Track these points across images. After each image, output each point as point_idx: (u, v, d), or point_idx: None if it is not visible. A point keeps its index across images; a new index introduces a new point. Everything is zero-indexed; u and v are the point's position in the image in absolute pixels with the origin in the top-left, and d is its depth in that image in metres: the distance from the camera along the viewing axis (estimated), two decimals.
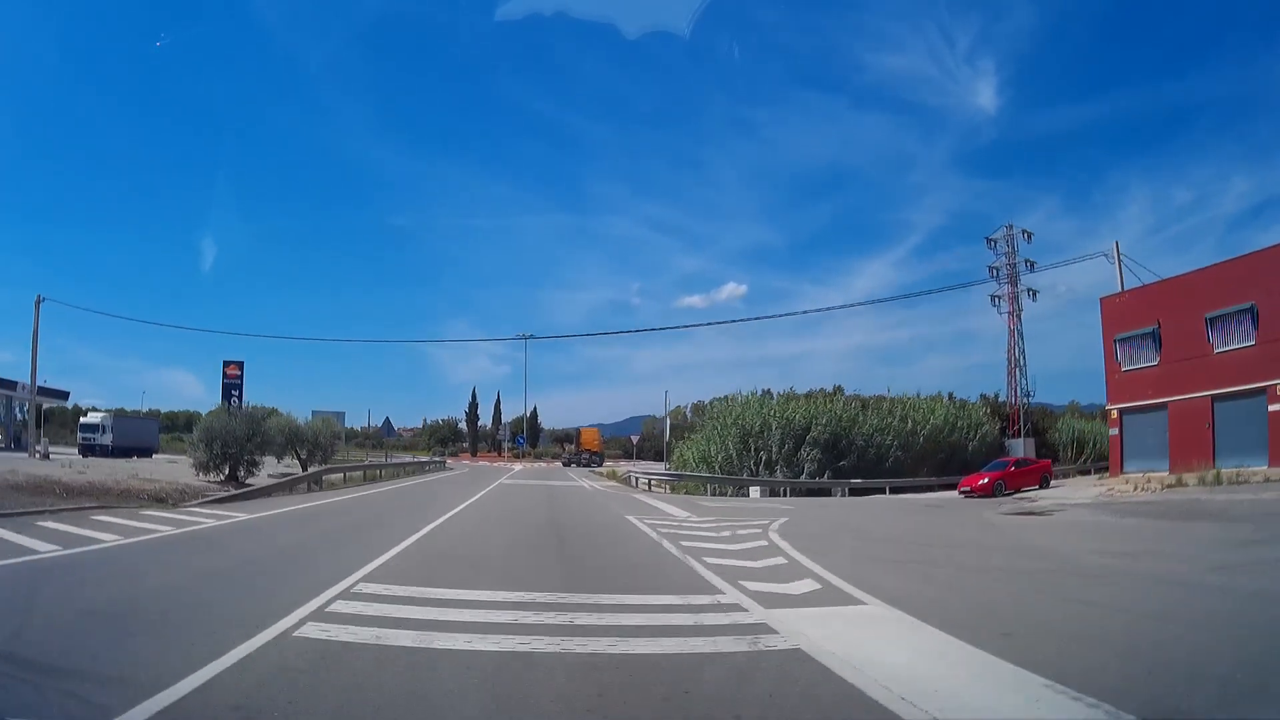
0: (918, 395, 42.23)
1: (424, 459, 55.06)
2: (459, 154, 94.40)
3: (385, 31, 75.75)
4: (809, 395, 41.61)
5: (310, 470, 29.51)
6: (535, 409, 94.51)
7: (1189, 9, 65.29)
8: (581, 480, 37.88)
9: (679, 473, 33.91)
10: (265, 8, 66.26)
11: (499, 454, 77.42)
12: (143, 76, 76.24)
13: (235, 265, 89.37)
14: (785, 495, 28.25)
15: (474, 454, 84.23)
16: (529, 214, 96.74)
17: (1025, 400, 43.11)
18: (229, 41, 68.97)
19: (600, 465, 62.28)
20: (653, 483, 32.22)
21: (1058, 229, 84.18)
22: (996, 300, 43.56)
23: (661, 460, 63.86)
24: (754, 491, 28.73)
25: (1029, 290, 42.99)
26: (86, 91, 74.95)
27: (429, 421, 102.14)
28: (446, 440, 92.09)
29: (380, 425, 50.48)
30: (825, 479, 30.43)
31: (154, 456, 40.16)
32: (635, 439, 71.87)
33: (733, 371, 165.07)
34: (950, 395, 45.12)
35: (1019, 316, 42.87)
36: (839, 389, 49.20)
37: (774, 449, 31.90)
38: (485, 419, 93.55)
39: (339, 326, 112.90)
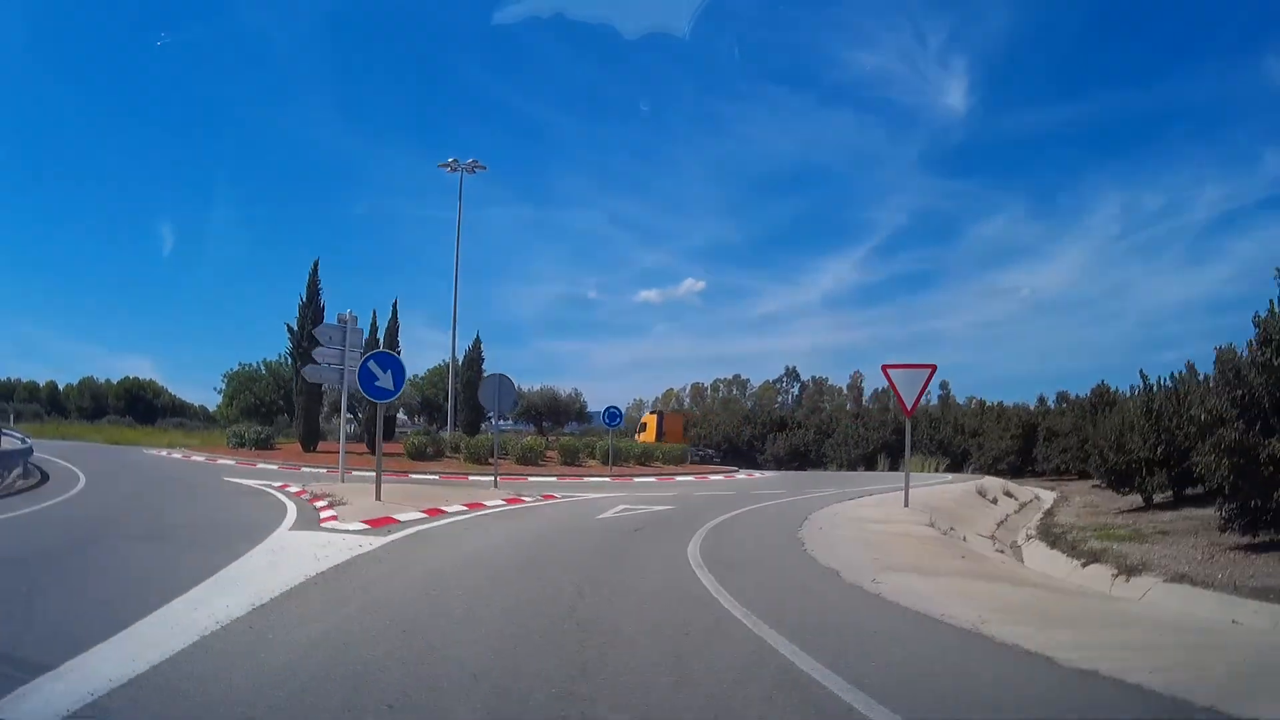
0: None
1: None
2: (418, 142, 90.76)
3: (348, 18, 71.53)
4: None
5: None
6: (478, 338, 36.72)
7: (1165, 16, 64.27)
8: None
9: None
10: None
11: (370, 446, 23.19)
12: (116, 68, 71.32)
13: (193, 253, 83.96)
14: None
15: (311, 443, 27.63)
16: (493, 205, 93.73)
17: None
18: (208, 31, 64.49)
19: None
20: None
21: (1023, 231, 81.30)
22: None
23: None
24: None
25: None
26: (45, 78, 70.06)
27: (239, 367, 44.62)
28: (273, 410, 39.46)
29: None
30: None
31: None
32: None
33: (686, 368, 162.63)
34: None
35: None
36: None
37: None
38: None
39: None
